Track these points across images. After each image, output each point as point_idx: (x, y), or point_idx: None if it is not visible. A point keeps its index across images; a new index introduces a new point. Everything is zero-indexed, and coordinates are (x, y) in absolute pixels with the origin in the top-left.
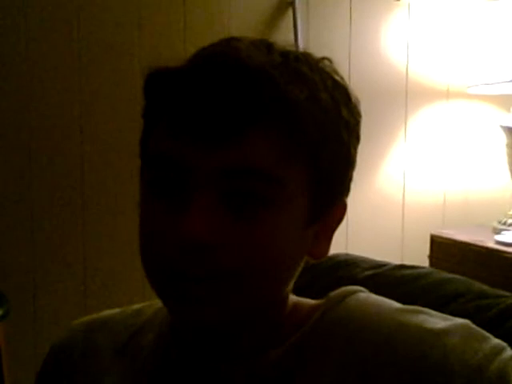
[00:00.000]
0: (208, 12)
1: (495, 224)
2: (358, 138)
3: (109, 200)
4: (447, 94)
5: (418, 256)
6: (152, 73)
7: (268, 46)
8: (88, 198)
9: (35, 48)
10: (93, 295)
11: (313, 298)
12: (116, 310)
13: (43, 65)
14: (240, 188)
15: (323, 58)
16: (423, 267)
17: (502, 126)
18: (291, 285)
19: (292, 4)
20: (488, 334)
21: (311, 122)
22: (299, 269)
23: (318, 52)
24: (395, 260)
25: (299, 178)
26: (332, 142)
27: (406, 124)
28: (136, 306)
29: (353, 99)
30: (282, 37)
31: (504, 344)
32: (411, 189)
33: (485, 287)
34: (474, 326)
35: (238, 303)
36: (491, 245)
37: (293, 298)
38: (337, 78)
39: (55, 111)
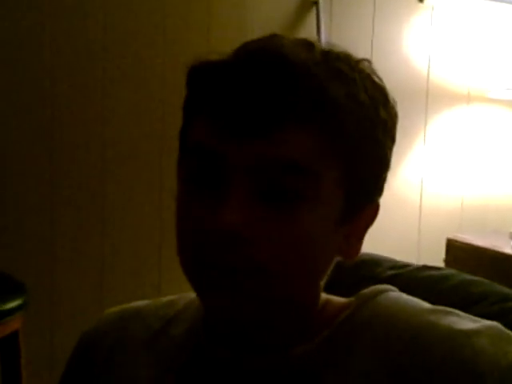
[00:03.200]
0: (232, 11)
1: None
2: (393, 140)
3: (128, 194)
4: (468, 98)
5: (434, 260)
6: (195, 65)
7: (309, 44)
8: (108, 190)
9: (58, 52)
10: (110, 286)
11: (337, 296)
12: (148, 301)
13: (67, 68)
14: (277, 182)
15: (363, 59)
16: (446, 268)
17: None
18: (322, 282)
19: (316, 3)
20: None
21: (349, 120)
22: (330, 267)
23: None
24: None
25: (335, 175)
26: (368, 141)
27: (425, 127)
28: (168, 298)
29: (391, 100)
30: (305, 36)
31: None
32: (429, 192)
33: (508, 290)
34: (503, 327)
35: (268, 297)
36: (508, 250)
37: (324, 295)
38: (376, 78)
39: (78, 108)
